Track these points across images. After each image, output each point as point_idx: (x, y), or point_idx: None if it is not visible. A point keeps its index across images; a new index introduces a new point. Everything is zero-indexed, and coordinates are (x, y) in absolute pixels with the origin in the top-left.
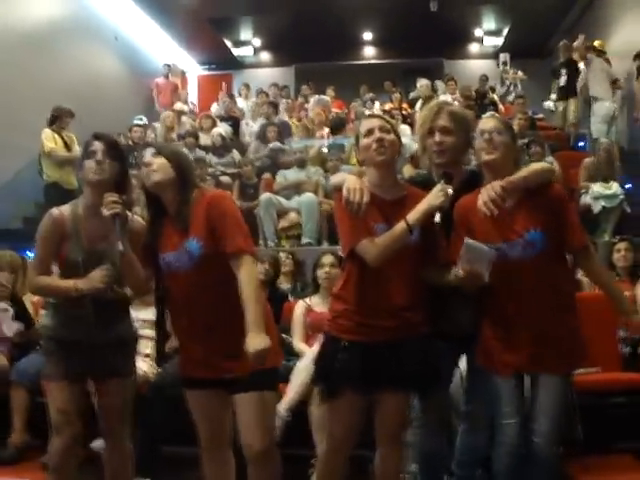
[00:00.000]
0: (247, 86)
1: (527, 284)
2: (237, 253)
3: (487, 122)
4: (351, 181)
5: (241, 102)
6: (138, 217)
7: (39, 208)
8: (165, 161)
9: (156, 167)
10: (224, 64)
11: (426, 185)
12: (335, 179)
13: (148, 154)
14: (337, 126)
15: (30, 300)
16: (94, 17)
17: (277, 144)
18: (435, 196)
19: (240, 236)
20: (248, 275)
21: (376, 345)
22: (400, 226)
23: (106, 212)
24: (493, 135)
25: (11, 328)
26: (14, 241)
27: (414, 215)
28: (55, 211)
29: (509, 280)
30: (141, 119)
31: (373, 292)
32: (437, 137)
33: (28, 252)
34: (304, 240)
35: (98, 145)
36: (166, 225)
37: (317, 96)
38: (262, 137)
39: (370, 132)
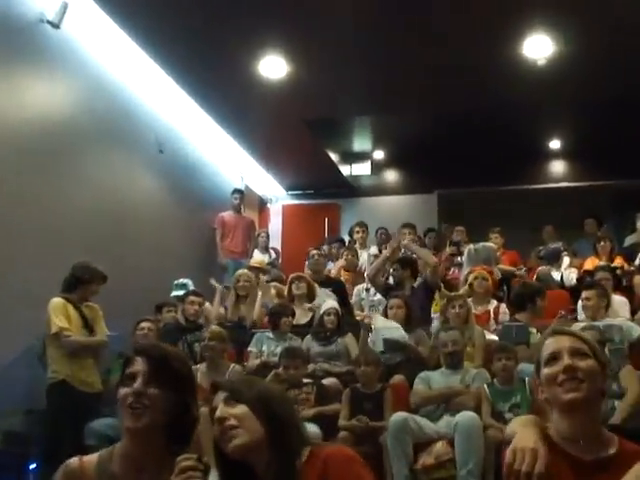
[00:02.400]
0: (363, 226)
1: None
2: None
3: None
4: (523, 437)
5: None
6: None
7: (30, 419)
8: (248, 411)
9: (236, 423)
10: (326, 189)
11: None
12: (510, 428)
13: (219, 402)
14: (521, 302)
15: None
16: (130, 119)
17: (398, 331)
18: None
19: None
20: None
21: None
22: None
23: None
24: None
25: None
26: None
27: None
28: (73, 462)
29: None
30: (184, 286)
31: None
32: None
33: None
34: None
35: (140, 364)
36: None
37: (472, 246)
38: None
39: (555, 357)
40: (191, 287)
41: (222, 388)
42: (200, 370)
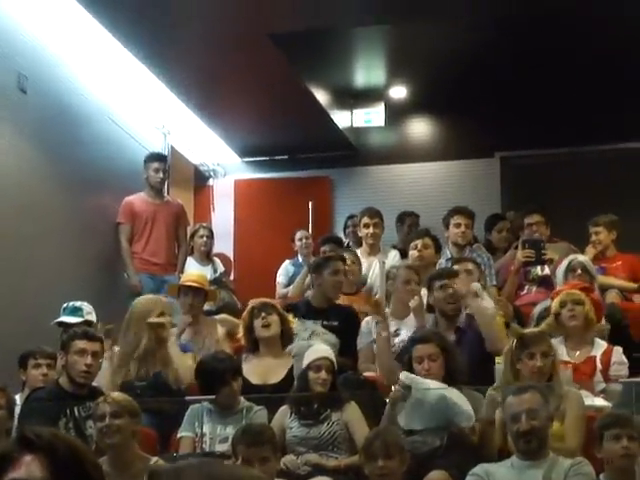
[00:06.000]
0: (375, 216)
1: None
2: None
3: None
4: None
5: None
6: None
7: None
8: None
9: None
10: (310, 152)
11: None
12: None
13: None
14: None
15: None
16: None
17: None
18: None
19: None
20: None
21: None
22: None
23: None
24: None
25: None
26: None
27: None
28: None
29: None
30: (79, 310)
31: None
32: None
33: None
34: None
35: (31, 468)
36: None
37: (583, 259)
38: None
39: None
40: (89, 315)
41: None
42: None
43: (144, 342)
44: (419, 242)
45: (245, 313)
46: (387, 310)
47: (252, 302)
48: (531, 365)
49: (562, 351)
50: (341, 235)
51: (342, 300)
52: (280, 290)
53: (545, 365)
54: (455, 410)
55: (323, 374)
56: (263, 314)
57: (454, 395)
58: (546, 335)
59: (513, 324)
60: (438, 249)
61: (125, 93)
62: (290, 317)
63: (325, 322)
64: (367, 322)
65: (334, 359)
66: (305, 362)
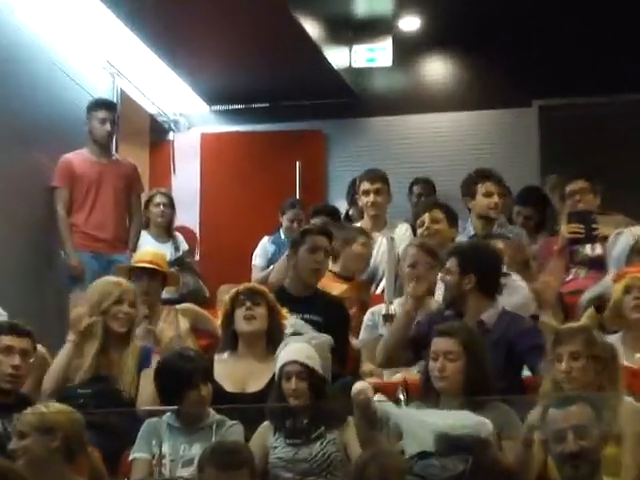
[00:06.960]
0: (378, 180)
1: None
2: None
3: None
4: None
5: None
6: None
7: None
8: None
9: None
10: (297, 99)
11: None
12: None
13: None
14: None
15: None
16: None
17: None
18: None
19: None
20: None
21: None
22: None
23: None
24: None
25: None
26: None
27: None
28: None
29: None
30: None
31: None
32: None
33: None
34: None
35: None
36: None
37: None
38: None
39: None
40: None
41: None
42: None
43: (98, 341)
44: (426, 216)
45: (227, 298)
46: (396, 301)
47: (241, 286)
48: (557, 370)
49: (619, 352)
50: (339, 204)
51: (334, 285)
52: (257, 274)
53: (574, 369)
54: (462, 436)
55: (292, 383)
56: (248, 303)
57: (451, 421)
58: (582, 331)
59: (542, 319)
60: (453, 222)
61: (65, 25)
62: (284, 312)
63: (306, 316)
64: (372, 313)
65: (313, 361)
66: (277, 367)
